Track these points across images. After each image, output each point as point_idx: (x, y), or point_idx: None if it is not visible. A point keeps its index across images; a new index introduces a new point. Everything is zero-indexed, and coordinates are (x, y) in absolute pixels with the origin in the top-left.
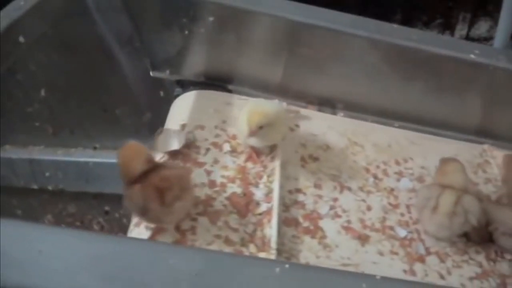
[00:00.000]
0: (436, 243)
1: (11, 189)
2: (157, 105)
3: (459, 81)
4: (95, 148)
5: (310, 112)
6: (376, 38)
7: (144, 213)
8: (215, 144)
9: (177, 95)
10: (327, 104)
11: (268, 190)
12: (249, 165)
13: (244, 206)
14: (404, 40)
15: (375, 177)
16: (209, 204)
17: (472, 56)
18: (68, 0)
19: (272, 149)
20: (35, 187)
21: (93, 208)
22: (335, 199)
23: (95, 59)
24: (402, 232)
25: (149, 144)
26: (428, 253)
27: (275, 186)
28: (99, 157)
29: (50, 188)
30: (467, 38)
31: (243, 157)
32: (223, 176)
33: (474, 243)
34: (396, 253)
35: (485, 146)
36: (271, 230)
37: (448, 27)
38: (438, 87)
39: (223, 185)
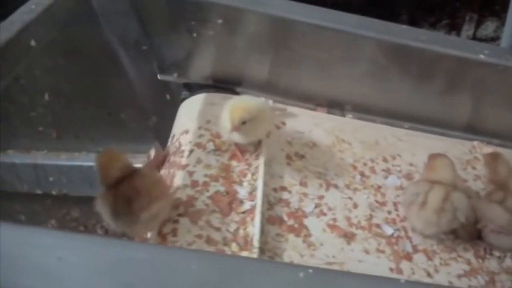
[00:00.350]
0: (424, 241)
1: (14, 195)
2: (163, 108)
3: (468, 81)
4: (99, 152)
5: (296, 109)
6: (384, 39)
7: (114, 220)
8: (198, 145)
9: (184, 99)
10: (336, 106)
11: (252, 188)
12: (234, 163)
13: (227, 204)
14: (413, 41)
15: (362, 174)
16: (191, 204)
17: (482, 56)
18: (75, 4)
19: (257, 147)
20: (39, 192)
21: (97, 212)
22: (321, 197)
23: (100, 62)
24: (389, 230)
25: (154, 147)
26: (416, 251)
27: (259, 184)
28: None
29: (54, 193)
30: (474, 38)
31: (227, 156)
32: (206, 175)
33: (462, 240)
34: (382, 251)
35: (475, 143)
36: (254, 229)
37: (454, 27)
38: (446, 87)
39: (205, 184)
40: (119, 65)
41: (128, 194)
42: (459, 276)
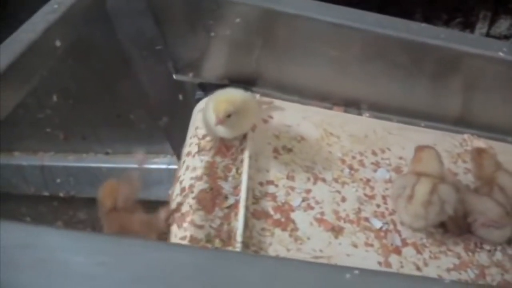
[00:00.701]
0: (413, 234)
1: (20, 196)
2: (175, 109)
3: (485, 79)
4: (107, 153)
5: (284, 103)
6: (403, 37)
7: None
8: (188, 154)
9: (199, 99)
10: (352, 105)
11: (236, 183)
12: (218, 159)
13: (210, 201)
14: (432, 39)
15: (351, 168)
16: (177, 211)
17: (501, 54)
18: (93, 3)
19: (242, 141)
20: (46, 194)
21: None
22: (308, 191)
23: (111, 63)
24: (377, 224)
25: (164, 147)
26: (405, 244)
27: (243, 177)
28: (111, 163)
29: (61, 194)
30: (488, 36)
31: (212, 153)
32: (192, 178)
33: (452, 234)
34: (371, 245)
35: (465, 136)
36: (238, 223)
37: (468, 25)
38: (463, 86)
39: (191, 186)
40: (130, 65)
41: (114, 229)
42: (448, 270)
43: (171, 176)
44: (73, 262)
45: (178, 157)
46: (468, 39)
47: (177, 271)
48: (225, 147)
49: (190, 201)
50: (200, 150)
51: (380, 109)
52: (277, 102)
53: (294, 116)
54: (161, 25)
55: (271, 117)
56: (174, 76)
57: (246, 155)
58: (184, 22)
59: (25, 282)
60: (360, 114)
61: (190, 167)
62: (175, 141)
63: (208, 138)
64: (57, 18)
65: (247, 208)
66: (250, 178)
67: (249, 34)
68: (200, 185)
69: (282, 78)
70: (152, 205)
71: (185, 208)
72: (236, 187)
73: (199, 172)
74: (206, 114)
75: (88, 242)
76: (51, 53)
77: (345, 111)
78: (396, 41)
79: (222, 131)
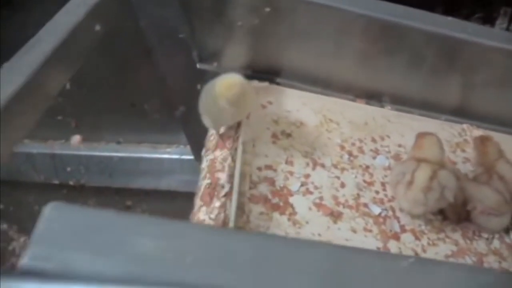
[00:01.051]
0: (412, 221)
1: (29, 184)
2: (192, 98)
3: (503, 73)
4: (119, 142)
5: (283, 89)
6: (432, 31)
7: None
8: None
9: None
10: (374, 97)
11: (232, 171)
12: (218, 153)
13: (207, 194)
14: (459, 33)
15: (350, 154)
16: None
17: None
18: None
19: (237, 129)
20: (56, 182)
21: (115, 202)
22: (307, 176)
23: (130, 51)
24: (376, 210)
25: (178, 137)
26: (403, 230)
27: (237, 163)
28: (123, 152)
29: (71, 183)
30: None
31: (212, 149)
32: (200, 180)
33: (451, 221)
34: (369, 231)
35: (465, 126)
36: (231, 209)
37: (488, 21)
38: (477, 79)
39: (199, 187)
40: (150, 53)
41: None
42: (446, 256)
43: (183, 166)
44: (139, 244)
45: (192, 147)
46: (495, 34)
47: (241, 255)
48: (222, 139)
49: (198, 201)
50: (206, 151)
51: (403, 102)
52: (276, 88)
53: (293, 102)
54: (188, 13)
55: (270, 102)
56: (198, 65)
57: (240, 141)
58: (212, 10)
59: (92, 265)
60: (382, 106)
61: (200, 170)
62: (190, 131)
63: (211, 138)
64: (97, 1)
65: (243, 193)
66: (247, 163)
67: (276, 24)
68: (203, 184)
69: (306, 69)
70: (164, 195)
71: (196, 209)
72: (232, 175)
73: (204, 172)
74: (206, 100)
75: (154, 226)
76: (92, 37)
77: (367, 103)
78: (422, 34)
79: (225, 113)
